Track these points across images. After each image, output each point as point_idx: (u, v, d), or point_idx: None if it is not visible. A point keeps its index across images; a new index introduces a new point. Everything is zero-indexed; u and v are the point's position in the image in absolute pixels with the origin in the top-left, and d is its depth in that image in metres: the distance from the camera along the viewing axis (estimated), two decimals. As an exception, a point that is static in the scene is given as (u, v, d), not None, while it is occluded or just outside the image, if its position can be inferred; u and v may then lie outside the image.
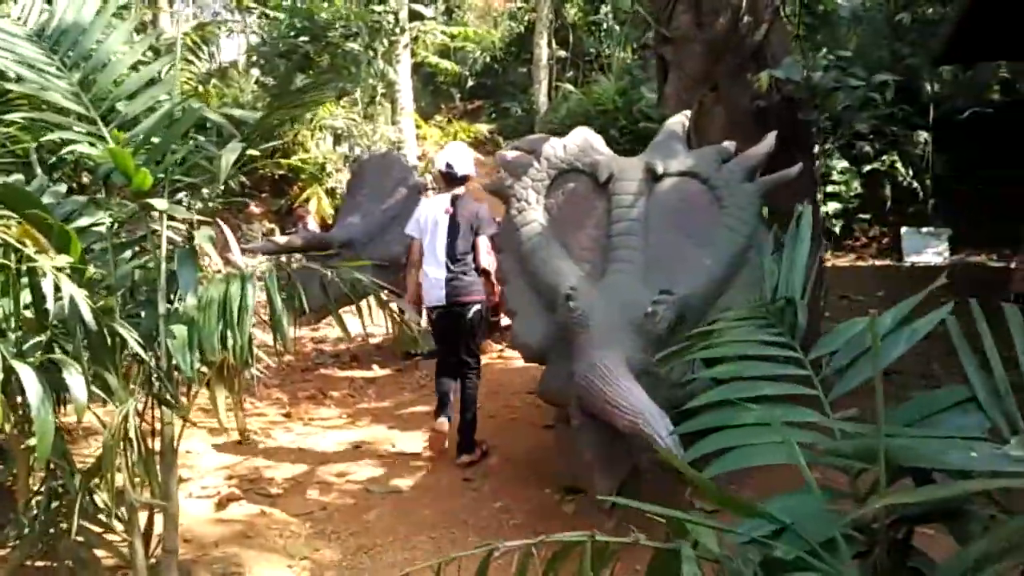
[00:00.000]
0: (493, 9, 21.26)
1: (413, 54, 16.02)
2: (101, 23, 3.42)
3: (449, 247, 5.00)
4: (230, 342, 3.26)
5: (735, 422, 1.88)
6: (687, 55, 6.15)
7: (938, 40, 8.88)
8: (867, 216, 12.85)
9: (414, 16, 15.00)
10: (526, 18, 18.34)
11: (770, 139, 4.13)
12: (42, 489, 3.22)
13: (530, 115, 16.89)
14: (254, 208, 12.54)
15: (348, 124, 13.74)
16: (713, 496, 1.53)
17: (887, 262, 11.80)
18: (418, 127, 15.21)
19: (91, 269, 3.12)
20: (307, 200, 12.38)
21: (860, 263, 11.82)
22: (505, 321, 8.11)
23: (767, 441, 1.77)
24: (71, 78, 3.28)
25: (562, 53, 17.77)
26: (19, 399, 2.85)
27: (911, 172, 12.91)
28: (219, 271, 3.29)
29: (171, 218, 3.31)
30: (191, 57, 11.55)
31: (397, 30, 13.77)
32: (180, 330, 3.12)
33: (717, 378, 2.09)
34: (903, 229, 12.10)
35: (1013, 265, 10.37)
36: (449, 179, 5.19)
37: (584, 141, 4.11)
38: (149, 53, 4.79)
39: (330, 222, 12.63)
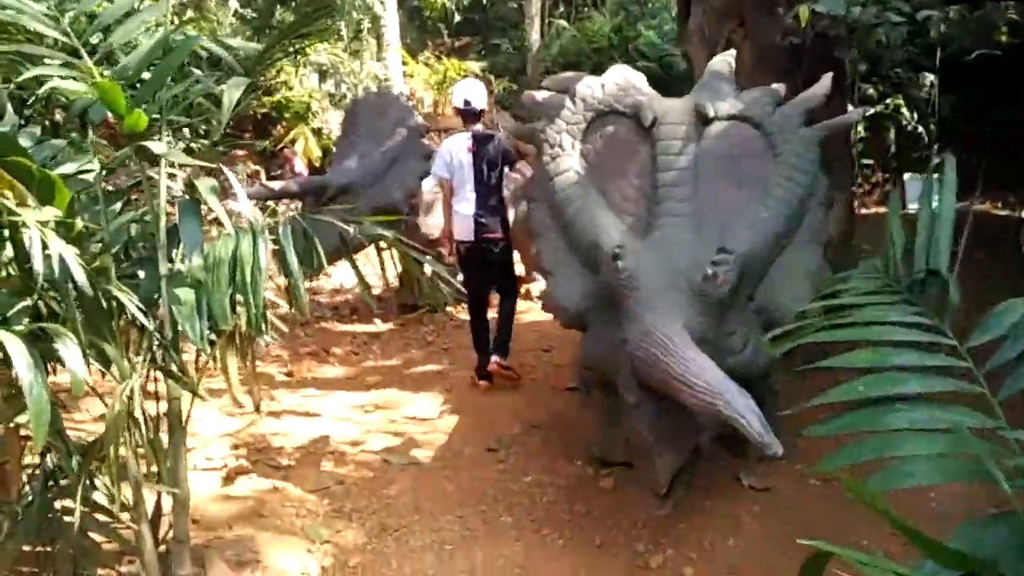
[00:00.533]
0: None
1: (399, -15, 15.30)
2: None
3: (476, 184, 5.21)
4: (242, 307, 2.92)
5: (884, 425, 1.56)
6: (713, -13, 5.72)
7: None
8: (869, 162, 12.53)
9: (400, -55, 14.27)
10: (516, -52, 17.54)
11: (826, 81, 3.76)
12: (36, 472, 2.87)
13: (521, 52, 16.26)
14: (237, 150, 11.97)
15: (333, 60, 13.11)
16: (899, 527, 1.21)
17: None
18: (405, 64, 14.59)
19: (79, 223, 2.74)
20: (293, 141, 11.86)
21: (863, 210, 11.55)
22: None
23: (940, 452, 1.45)
24: (51, 3, 2.84)
25: (555, -14, 17.07)
26: (6, 370, 2.51)
27: (916, 116, 12.55)
28: (225, 225, 2.90)
29: (169, 164, 2.91)
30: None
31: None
32: (186, 294, 2.75)
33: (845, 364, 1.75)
34: (906, 175, 11.80)
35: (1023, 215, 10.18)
36: (467, 115, 5.39)
37: (624, 80, 3.71)
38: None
39: (316, 164, 12.14)
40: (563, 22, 16.29)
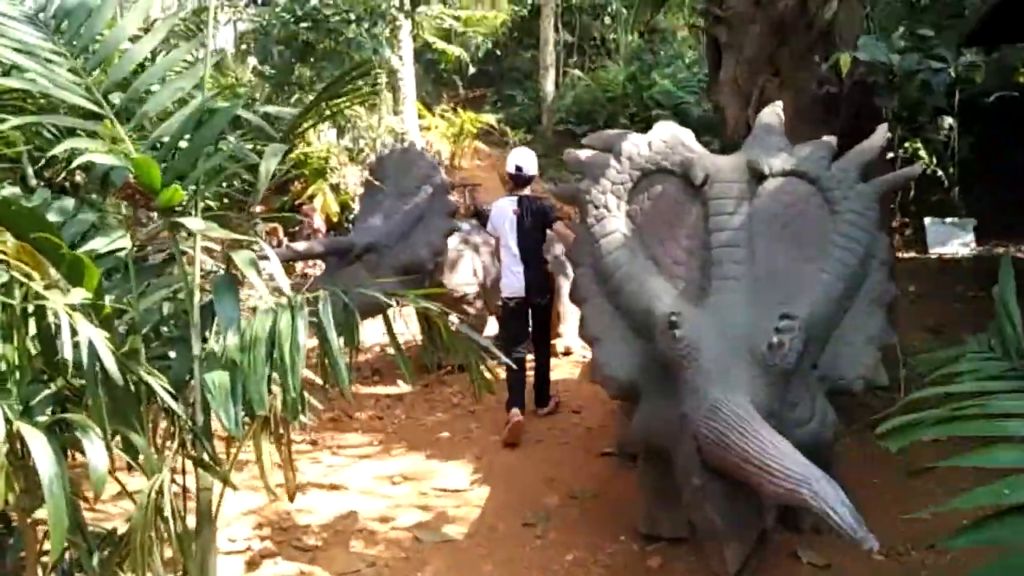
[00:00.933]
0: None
1: (415, 39, 15.40)
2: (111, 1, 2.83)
3: (520, 244, 5.65)
4: (279, 389, 2.74)
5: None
6: (745, 37, 5.60)
7: (964, 21, 8.40)
8: (890, 206, 12.33)
9: (413, 0, 14.38)
10: (529, 1, 17.69)
11: (881, 132, 3.59)
12: (54, 567, 2.67)
13: (537, 103, 16.30)
14: (256, 207, 11.90)
15: (351, 115, 13.11)
16: None
17: (911, 254, 11.29)
18: (421, 117, 14.60)
19: (108, 304, 2.57)
20: (311, 197, 11.79)
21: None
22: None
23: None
24: (77, 67, 2.71)
25: (568, 38, 17.16)
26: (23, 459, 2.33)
27: (935, 159, 12.39)
28: (264, 299, 2.73)
29: (205, 238, 2.75)
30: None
31: (401, 15, 13.16)
32: (220, 376, 2.57)
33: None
34: (927, 219, 11.63)
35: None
36: (517, 180, 5.86)
37: (672, 136, 3.56)
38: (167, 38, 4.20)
39: (335, 220, 12.05)
40: (578, 72, 16.36)
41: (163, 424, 2.78)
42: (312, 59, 11.76)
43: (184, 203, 2.61)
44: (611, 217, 3.45)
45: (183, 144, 2.71)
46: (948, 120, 12.08)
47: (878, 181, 3.40)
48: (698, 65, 15.97)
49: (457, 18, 14.84)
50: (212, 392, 2.53)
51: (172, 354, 2.75)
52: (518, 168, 5.81)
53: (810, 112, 5.40)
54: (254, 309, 2.85)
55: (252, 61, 13.71)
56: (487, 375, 3.04)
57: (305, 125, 3.26)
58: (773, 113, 3.70)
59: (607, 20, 18.42)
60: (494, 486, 4.60)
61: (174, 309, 2.77)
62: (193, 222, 2.53)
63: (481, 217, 7.44)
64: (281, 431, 2.96)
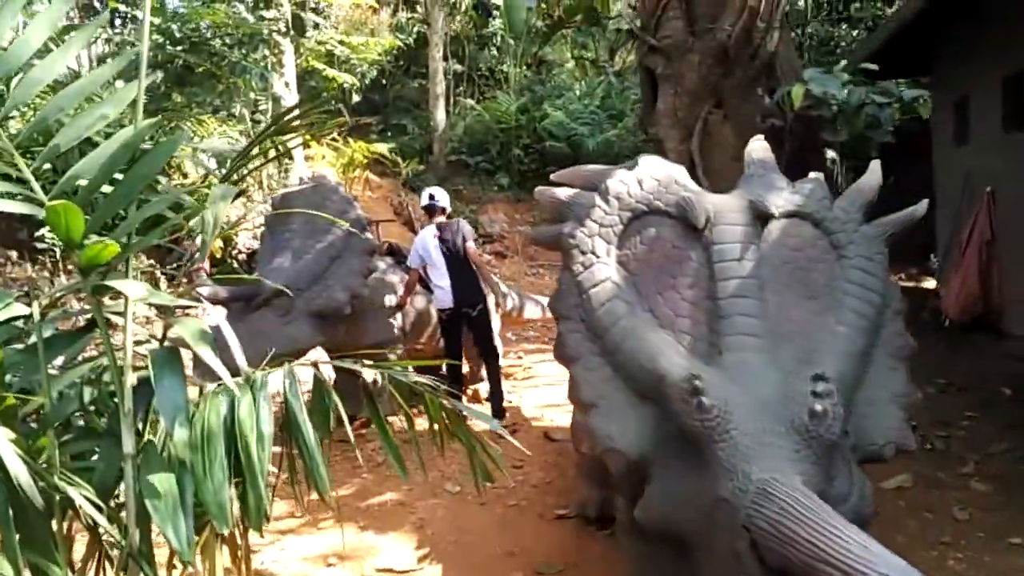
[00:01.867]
0: (367, 22, 20.08)
1: (299, 65, 14.68)
2: (12, 9, 2.21)
3: (448, 263, 6.33)
4: (237, 492, 2.19)
5: None
6: (684, 67, 5.39)
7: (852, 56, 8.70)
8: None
9: (296, 25, 13.70)
10: (415, 30, 17.29)
11: (876, 168, 3.36)
12: None
13: (427, 132, 15.86)
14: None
15: (231, 143, 12.25)
16: None
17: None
18: (306, 146, 13.88)
19: (10, 395, 1.97)
20: (189, 233, 10.84)
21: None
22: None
23: None
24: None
25: (457, 67, 16.86)
26: None
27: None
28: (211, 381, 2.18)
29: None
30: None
31: (285, 40, 12.48)
32: (164, 481, 1.99)
33: None
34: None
35: (937, 288, 10.31)
36: (433, 210, 6.64)
37: (665, 174, 3.20)
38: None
39: (219, 256, 11.16)
40: (470, 101, 16.07)
41: (83, 544, 2.15)
42: (191, 84, 10.90)
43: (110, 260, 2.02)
44: (600, 264, 3.05)
45: (107, 188, 2.12)
46: (830, 153, 12.48)
47: (884, 222, 3.15)
48: (589, 97, 16.01)
49: (344, 43, 14.24)
50: (154, 502, 1.95)
51: (96, 453, 2.14)
52: (431, 197, 6.65)
53: (754, 145, 5.23)
54: (199, 391, 2.27)
55: (119, 84, 12.64)
56: (487, 454, 2.58)
57: (251, 164, 2.70)
58: (762, 147, 3.41)
59: (494, 51, 18.25)
60: (447, 564, 4.08)
61: (97, 393, 2.16)
62: (129, 285, 1.95)
63: (396, 254, 6.93)
64: (238, 541, 2.38)
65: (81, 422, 2.15)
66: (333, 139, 14.42)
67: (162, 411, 1.99)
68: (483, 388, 7.16)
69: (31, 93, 2.12)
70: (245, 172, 2.65)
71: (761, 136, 3.53)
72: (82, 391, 2.10)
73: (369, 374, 2.46)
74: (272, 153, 3.19)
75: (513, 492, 5.06)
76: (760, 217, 3.06)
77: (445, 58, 16.09)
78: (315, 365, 2.42)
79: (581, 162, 15.15)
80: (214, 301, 5.64)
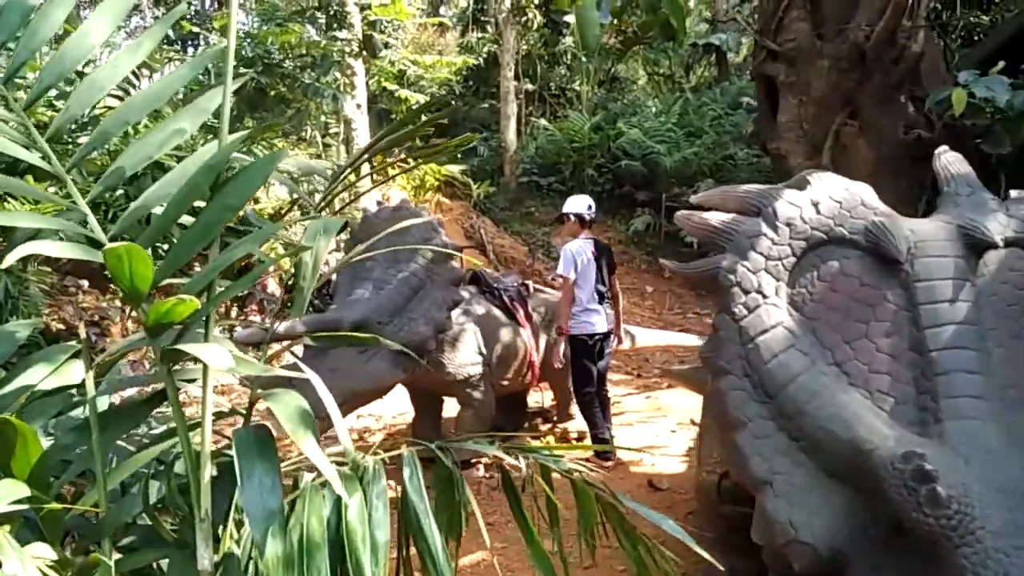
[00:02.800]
0: (435, 44, 19.88)
1: (370, 86, 14.46)
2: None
3: (599, 283, 5.99)
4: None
5: None
6: (811, 73, 4.79)
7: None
8: None
9: (367, 46, 13.45)
10: (485, 49, 16.96)
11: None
12: None
13: (498, 153, 15.44)
14: (199, 268, 10.63)
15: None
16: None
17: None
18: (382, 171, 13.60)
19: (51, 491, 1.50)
20: (261, 259, 10.56)
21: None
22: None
23: None
24: (7, 94, 1.64)
25: (529, 86, 16.44)
26: None
27: None
28: (309, 470, 1.69)
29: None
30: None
31: (356, 61, 12.21)
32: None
33: None
34: None
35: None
36: (583, 222, 6.10)
37: (847, 194, 2.63)
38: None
39: (291, 282, 10.87)
40: (543, 121, 15.61)
41: None
42: (262, 107, 10.68)
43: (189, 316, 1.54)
44: (768, 306, 2.48)
45: (186, 217, 1.66)
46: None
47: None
48: (665, 115, 15.42)
49: (416, 62, 13.95)
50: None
51: (164, 565, 1.66)
52: (590, 206, 6.11)
53: (896, 160, 4.60)
54: (293, 481, 1.78)
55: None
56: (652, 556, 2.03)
57: (364, 187, 2.22)
58: (958, 159, 2.81)
59: (565, 70, 17.80)
60: None
61: (166, 489, 1.68)
62: (210, 351, 1.45)
63: (481, 283, 6.43)
64: None
65: (144, 527, 1.66)
66: (404, 160, 14.10)
67: (249, 515, 1.49)
68: (573, 428, 6.61)
69: (91, 100, 1.67)
70: (348, 198, 2.16)
71: (946, 149, 2.91)
72: (147, 486, 1.62)
73: (499, 453, 1.93)
74: (374, 174, 2.68)
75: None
76: (973, 247, 2.45)
77: (516, 77, 15.68)
78: (442, 450, 1.90)
79: (658, 182, 14.46)
80: (291, 337, 5.21)
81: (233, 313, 10.22)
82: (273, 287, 10.18)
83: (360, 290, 5.55)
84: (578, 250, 5.90)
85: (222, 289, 1.62)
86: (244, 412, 1.78)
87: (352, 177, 2.20)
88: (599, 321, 5.95)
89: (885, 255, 2.45)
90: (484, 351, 5.96)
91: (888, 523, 2.09)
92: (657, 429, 6.82)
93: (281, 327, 5.13)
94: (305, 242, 1.77)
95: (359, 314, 5.30)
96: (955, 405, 2.20)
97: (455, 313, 5.74)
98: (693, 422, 6.90)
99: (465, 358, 5.79)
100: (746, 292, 2.52)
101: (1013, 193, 2.74)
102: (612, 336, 6.18)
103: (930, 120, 4.55)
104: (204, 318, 1.63)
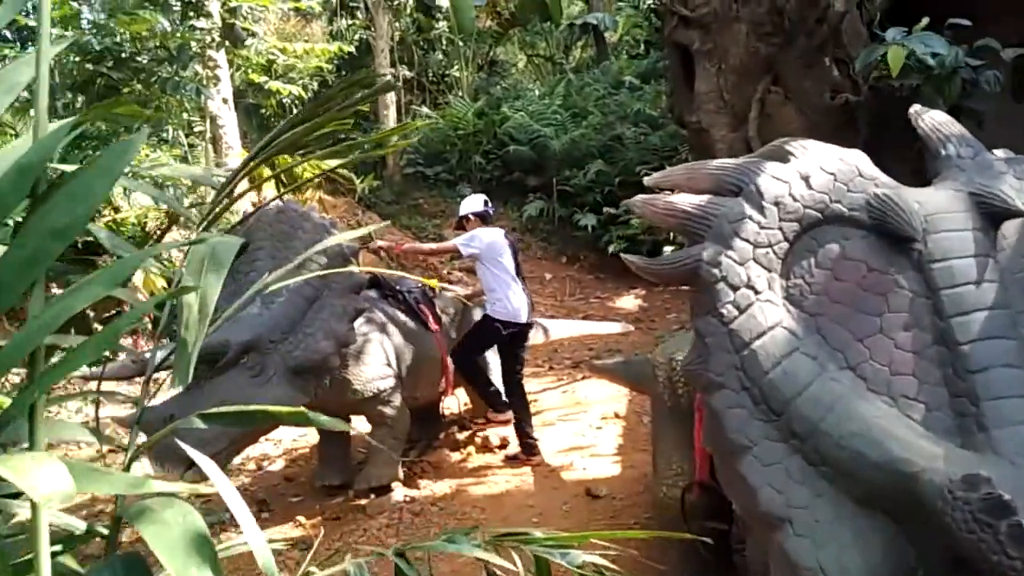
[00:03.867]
0: (299, 33, 18.86)
1: (235, 80, 13.46)
2: None
3: (517, 275, 5.71)
4: None
5: None
6: (728, 39, 4.46)
7: None
8: None
9: (229, 36, 12.48)
10: (356, 37, 16.16)
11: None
12: None
13: (381, 144, 14.73)
14: (56, 291, 9.53)
15: (161, 174, 10.99)
16: None
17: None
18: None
19: None
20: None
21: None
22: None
23: None
24: None
25: (406, 73, 15.77)
26: None
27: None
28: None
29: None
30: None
31: (219, 52, 11.27)
32: None
33: None
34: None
35: None
36: (487, 216, 5.89)
37: (841, 163, 2.23)
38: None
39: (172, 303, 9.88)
40: (424, 108, 15.01)
41: None
42: (121, 103, 9.63)
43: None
44: (762, 303, 2.07)
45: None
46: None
47: None
48: (549, 97, 15.10)
49: (285, 51, 13.06)
50: None
51: None
52: (485, 202, 5.93)
53: (824, 127, 4.33)
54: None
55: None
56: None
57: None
58: (949, 120, 2.47)
59: (441, 56, 17.22)
60: None
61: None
62: (38, 475, 0.89)
63: (382, 286, 5.86)
64: None
65: None
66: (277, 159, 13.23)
67: None
68: (493, 435, 6.15)
69: None
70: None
71: (923, 108, 2.57)
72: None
73: (484, 556, 1.43)
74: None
75: None
76: (991, 217, 2.11)
77: (392, 64, 15.00)
78: (400, 556, 1.39)
79: (548, 166, 14.15)
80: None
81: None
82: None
83: (248, 307, 4.88)
84: (490, 236, 5.66)
85: (56, 363, 1.05)
86: (106, 531, 1.21)
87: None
88: (523, 308, 5.65)
89: (893, 233, 2.07)
90: (393, 362, 5.40)
91: (943, 561, 1.72)
92: (580, 427, 6.44)
93: (159, 354, 4.41)
94: (187, 275, 1.22)
95: (248, 333, 4.65)
96: (1001, 408, 1.85)
97: (358, 323, 5.15)
98: (617, 415, 6.57)
99: (373, 372, 5.22)
100: (734, 288, 2.09)
101: (999, 152, 2.42)
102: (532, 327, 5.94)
103: (855, 83, 4.30)
104: (31, 409, 1.05)
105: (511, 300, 5.59)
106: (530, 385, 8.01)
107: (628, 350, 9.23)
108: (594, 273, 13.26)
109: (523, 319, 5.65)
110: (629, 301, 12.43)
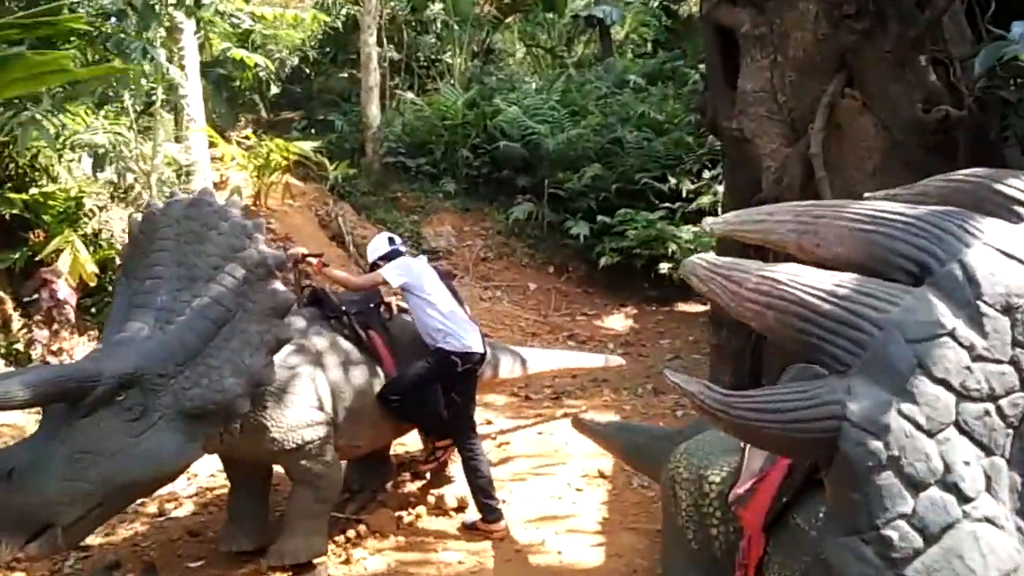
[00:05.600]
0: (288, 3, 17.65)
1: (202, 48, 12.24)
2: None
3: (459, 305, 4.87)
4: None
5: None
6: (790, 22, 3.36)
7: None
8: None
9: (199, -1, 11.26)
10: (343, 12, 14.97)
11: None
12: None
13: (359, 129, 13.57)
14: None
15: (114, 141, 9.76)
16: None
17: None
18: (212, 145, 11.47)
19: None
20: (56, 253, 8.35)
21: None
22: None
23: None
24: None
25: (394, 55, 14.58)
26: None
27: None
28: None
29: None
30: None
31: (180, 12, 10.05)
32: None
33: None
34: None
35: None
36: (396, 255, 4.87)
37: None
38: None
39: (92, 284, 8.65)
40: (409, 94, 13.85)
41: None
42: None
43: None
44: (975, 524, 0.97)
45: None
46: None
47: None
48: (547, 91, 13.98)
49: (255, 16, 11.86)
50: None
51: None
52: (391, 240, 5.01)
53: (908, 147, 3.23)
54: None
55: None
56: None
57: None
58: None
59: (434, 39, 16.05)
60: None
61: None
62: None
63: (325, 304, 4.71)
64: None
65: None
66: (245, 136, 12.03)
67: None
68: (449, 494, 5.03)
69: None
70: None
71: None
72: None
73: None
74: None
75: None
76: None
77: (380, 43, 13.81)
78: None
79: (540, 166, 12.92)
80: (8, 405, 3.33)
81: (15, 326, 8.01)
82: (66, 291, 7.99)
83: (136, 323, 3.72)
84: (419, 267, 4.81)
85: None
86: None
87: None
88: (474, 337, 4.73)
89: None
90: (327, 404, 4.26)
91: None
92: (556, 485, 5.32)
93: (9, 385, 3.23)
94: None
95: (129, 363, 3.49)
96: None
97: (282, 353, 4.01)
98: (602, 474, 5.47)
99: (298, 417, 4.08)
100: (915, 484, 0.99)
101: None
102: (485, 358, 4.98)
103: (957, 92, 3.22)
104: None
105: (463, 329, 4.68)
106: (500, 420, 6.92)
107: (618, 383, 8.15)
108: (583, 287, 12.17)
109: (480, 349, 4.76)
110: (619, 321, 11.35)
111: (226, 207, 3.98)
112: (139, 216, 4.18)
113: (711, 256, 1.25)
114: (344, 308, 4.65)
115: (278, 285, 3.86)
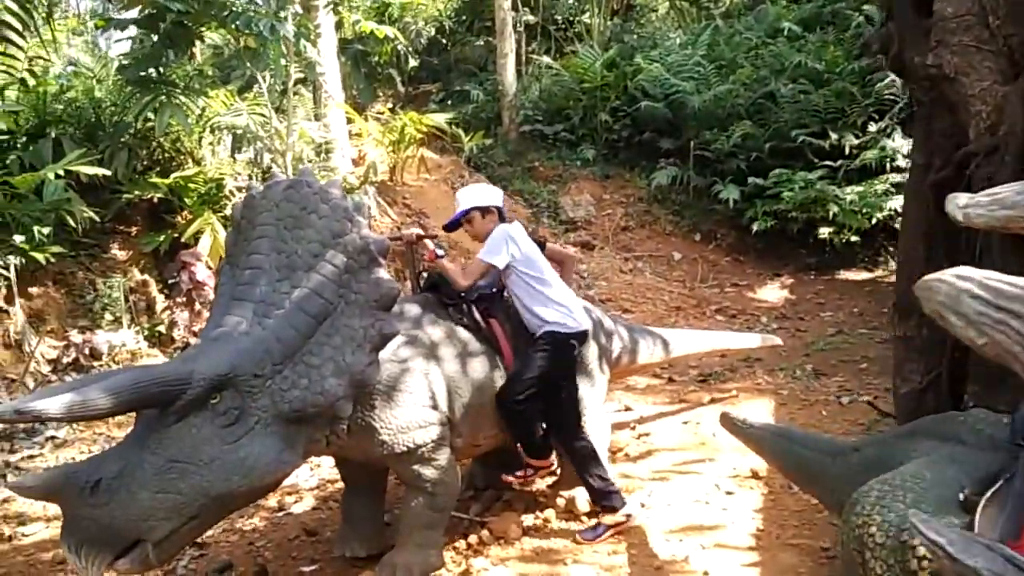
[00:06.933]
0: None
1: (339, 26, 12.17)
2: None
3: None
4: None
5: None
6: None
7: None
8: None
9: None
10: (477, -22, 14.59)
11: None
12: None
13: (495, 98, 13.17)
14: (117, 252, 8.56)
15: (254, 121, 9.79)
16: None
17: None
18: (350, 121, 11.39)
19: None
20: (197, 235, 8.46)
21: None
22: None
23: None
24: None
25: (530, 18, 14.06)
26: None
27: None
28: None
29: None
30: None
31: (315, -10, 9.95)
32: None
33: None
34: None
35: None
36: (503, 217, 4.29)
37: None
38: None
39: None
40: (546, 59, 13.30)
41: None
42: (188, 45, 8.50)
43: None
44: None
45: None
46: None
47: None
48: (691, 47, 13.05)
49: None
50: None
51: None
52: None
53: None
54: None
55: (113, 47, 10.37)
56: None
57: None
58: None
59: (571, 0, 15.39)
60: None
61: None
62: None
63: (442, 290, 4.30)
64: None
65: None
66: (379, 113, 11.89)
67: None
68: (580, 495, 4.52)
69: None
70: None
71: None
72: None
73: None
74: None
75: None
76: None
77: (515, 7, 13.32)
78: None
79: (685, 126, 11.91)
80: (96, 414, 3.10)
81: (159, 307, 8.18)
82: (204, 273, 8.07)
83: (234, 317, 3.43)
84: (522, 235, 4.19)
85: None
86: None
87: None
88: (582, 314, 4.26)
89: None
90: (441, 403, 3.86)
91: None
92: (703, 486, 4.72)
93: (75, 397, 3.00)
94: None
95: (223, 362, 3.19)
96: None
97: (393, 345, 3.63)
98: (755, 475, 4.82)
99: (408, 418, 3.70)
100: None
101: None
102: None
103: None
104: None
105: (573, 304, 4.22)
106: (640, 407, 6.36)
107: (773, 363, 7.39)
108: (733, 255, 11.32)
109: (588, 324, 4.30)
110: (773, 292, 10.47)
111: (327, 188, 3.61)
112: (240, 201, 3.89)
113: (944, 276, 0.68)
114: (463, 294, 4.21)
115: (382, 274, 3.46)
